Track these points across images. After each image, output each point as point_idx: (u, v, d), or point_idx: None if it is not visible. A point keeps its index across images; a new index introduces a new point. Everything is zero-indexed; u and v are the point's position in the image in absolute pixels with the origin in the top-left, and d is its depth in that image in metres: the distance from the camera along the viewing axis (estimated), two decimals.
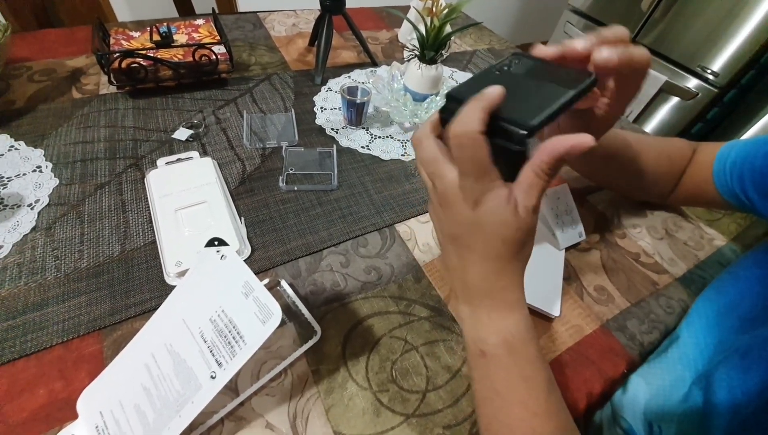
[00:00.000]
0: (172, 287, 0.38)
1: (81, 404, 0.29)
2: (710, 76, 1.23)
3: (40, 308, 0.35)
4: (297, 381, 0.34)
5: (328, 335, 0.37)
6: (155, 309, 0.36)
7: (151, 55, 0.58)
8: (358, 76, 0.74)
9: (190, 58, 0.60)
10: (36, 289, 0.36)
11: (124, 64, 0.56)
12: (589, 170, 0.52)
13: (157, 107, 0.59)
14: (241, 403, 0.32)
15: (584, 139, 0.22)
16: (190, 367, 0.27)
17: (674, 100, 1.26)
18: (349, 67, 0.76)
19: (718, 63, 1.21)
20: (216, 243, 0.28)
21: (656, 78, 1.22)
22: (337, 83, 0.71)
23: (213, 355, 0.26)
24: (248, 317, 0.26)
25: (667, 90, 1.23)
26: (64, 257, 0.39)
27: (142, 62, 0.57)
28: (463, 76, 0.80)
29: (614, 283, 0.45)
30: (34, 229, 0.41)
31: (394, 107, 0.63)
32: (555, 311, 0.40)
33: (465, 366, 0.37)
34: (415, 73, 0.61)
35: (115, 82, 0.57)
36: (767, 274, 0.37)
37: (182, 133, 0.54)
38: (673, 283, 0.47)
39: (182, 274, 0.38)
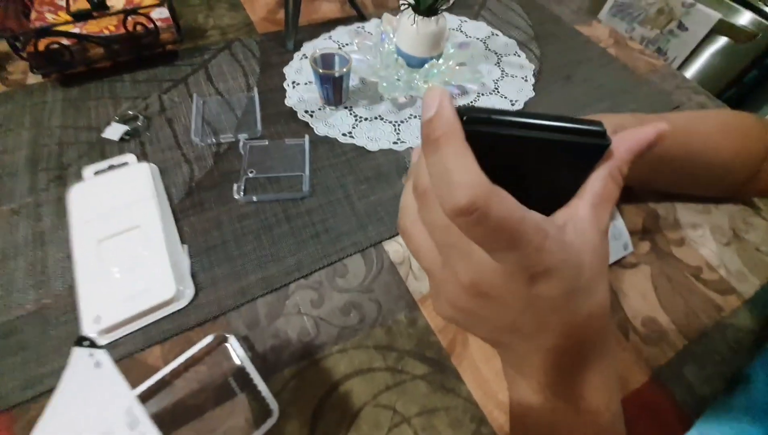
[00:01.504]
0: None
1: None
2: None
3: None
4: None
5: (291, 410, 0.28)
6: None
7: (75, 31, 0.45)
8: (340, 36, 0.59)
9: (123, 30, 0.47)
10: None
11: (41, 46, 0.44)
12: (641, 180, 0.39)
13: (90, 96, 0.48)
14: None
15: (661, 126, 0.17)
16: None
17: (723, 41, 1.03)
18: (329, 25, 0.61)
19: None
20: (86, 343, 0.19)
21: (708, 16, 0.99)
22: (314, 47, 0.57)
23: None
24: None
25: (718, 30, 1.00)
26: None
27: (64, 41, 0.45)
28: (474, 27, 0.63)
29: (668, 313, 0.35)
30: None
31: (383, 77, 0.50)
32: None
33: None
34: (409, 30, 0.46)
35: (35, 69, 0.46)
36: None
37: (115, 131, 0.43)
38: (742, 308, 0.36)
39: (104, 331, 0.30)
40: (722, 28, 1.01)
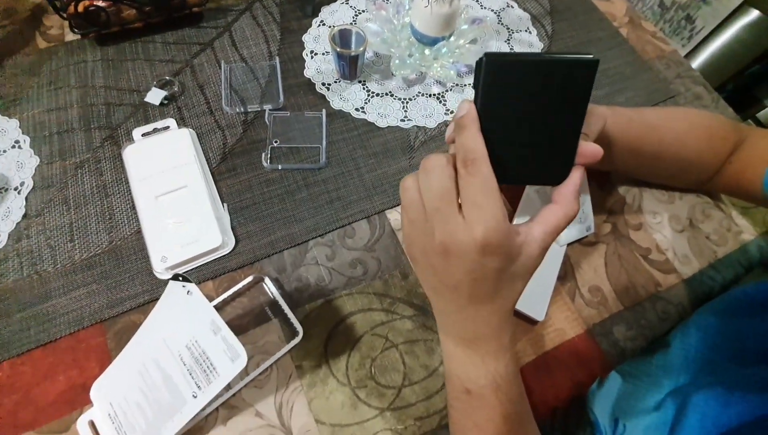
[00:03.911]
0: (162, 281, 0.41)
1: (93, 393, 0.35)
2: None
3: (46, 300, 0.39)
4: (282, 374, 0.38)
5: (311, 333, 0.40)
6: (149, 302, 0.40)
7: None
8: (357, 1, 0.63)
9: None
10: (38, 281, 0.40)
11: (80, 8, 0.50)
12: (616, 168, 0.47)
13: (126, 57, 0.54)
14: (233, 394, 0.37)
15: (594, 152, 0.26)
16: (175, 383, 0.30)
17: (754, 15, 1.01)
18: None
19: None
20: (180, 278, 0.29)
21: None
22: (332, 13, 0.62)
23: (192, 377, 0.30)
24: (218, 352, 0.28)
25: (751, 2, 0.99)
26: (57, 247, 0.42)
27: (100, 3, 0.50)
28: None
29: (612, 284, 0.45)
30: (25, 216, 0.43)
31: (396, 53, 0.55)
32: (539, 316, 0.41)
33: (443, 391, 0.40)
34: (424, 10, 0.51)
35: (76, 29, 0.52)
36: None
37: (155, 96, 0.50)
38: (678, 286, 0.45)
39: (171, 268, 0.41)
40: (756, 0, 0.99)
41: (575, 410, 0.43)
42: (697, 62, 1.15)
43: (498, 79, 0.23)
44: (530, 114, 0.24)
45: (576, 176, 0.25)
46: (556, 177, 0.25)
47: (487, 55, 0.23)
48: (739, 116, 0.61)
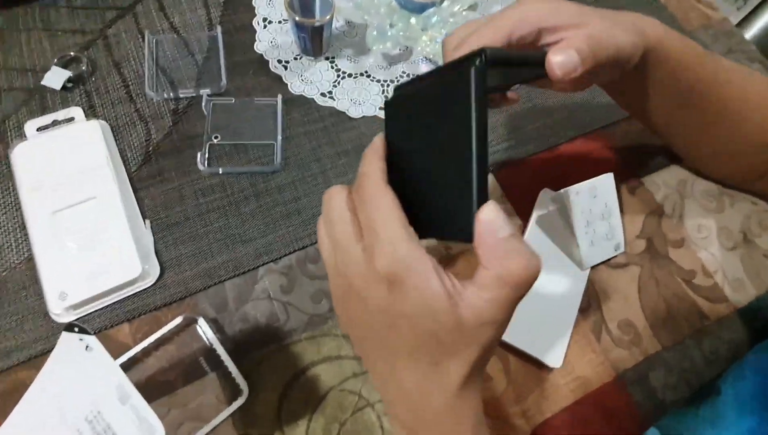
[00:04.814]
0: (61, 325, 0.39)
1: None
2: None
3: None
4: None
5: (260, 390, 0.39)
6: (43, 355, 0.38)
7: None
8: None
9: None
10: None
11: None
12: (651, 123, 0.46)
13: (19, 26, 0.52)
14: None
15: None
16: None
17: None
18: None
19: None
20: (76, 329, 0.28)
21: None
22: None
23: None
24: (127, 427, 0.27)
25: None
26: None
27: None
28: None
29: (648, 317, 0.45)
30: None
31: (373, 22, 0.55)
32: (555, 362, 0.41)
33: None
34: None
35: None
36: None
37: (57, 77, 0.49)
38: (729, 317, 0.46)
39: (71, 308, 0.39)
40: None
41: None
42: (752, 31, 1.18)
43: (396, 114, 0.26)
44: (428, 150, 0.24)
45: (483, 224, 0.21)
46: (461, 228, 0.22)
47: (395, 89, 0.27)
48: None
